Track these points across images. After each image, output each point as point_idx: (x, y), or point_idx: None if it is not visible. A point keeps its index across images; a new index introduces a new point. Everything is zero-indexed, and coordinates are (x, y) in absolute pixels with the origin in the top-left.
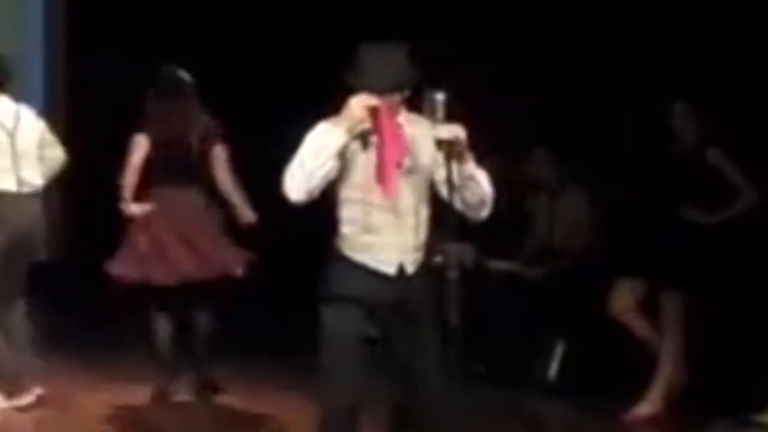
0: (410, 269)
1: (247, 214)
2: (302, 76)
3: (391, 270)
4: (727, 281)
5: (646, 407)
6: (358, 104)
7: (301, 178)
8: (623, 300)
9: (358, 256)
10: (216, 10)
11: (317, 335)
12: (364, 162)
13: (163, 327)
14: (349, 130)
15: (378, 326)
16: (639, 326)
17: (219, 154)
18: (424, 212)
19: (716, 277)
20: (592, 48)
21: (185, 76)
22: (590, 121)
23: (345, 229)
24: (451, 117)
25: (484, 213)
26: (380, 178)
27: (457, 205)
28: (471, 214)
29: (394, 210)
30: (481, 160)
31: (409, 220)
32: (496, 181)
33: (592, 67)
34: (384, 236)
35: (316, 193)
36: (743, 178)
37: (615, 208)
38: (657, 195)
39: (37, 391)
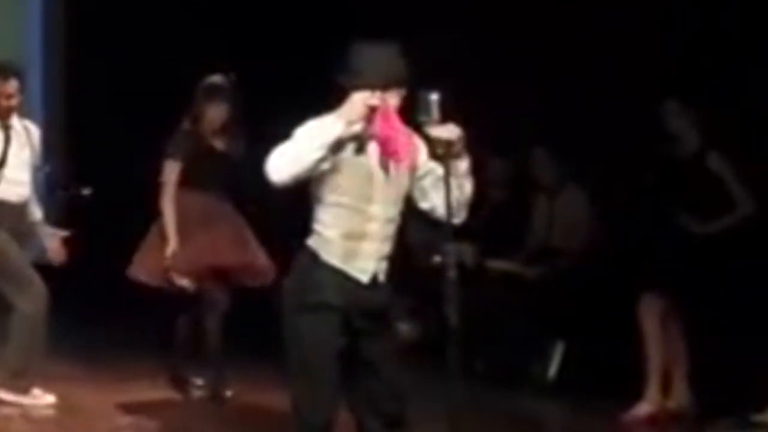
0: (381, 277)
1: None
2: (297, 76)
3: (365, 278)
4: (718, 288)
5: (644, 407)
6: (362, 100)
7: (290, 159)
8: (651, 312)
9: (336, 261)
10: (214, 10)
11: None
12: (357, 167)
13: (183, 326)
14: (349, 124)
15: (349, 334)
16: (661, 339)
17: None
18: (398, 223)
19: (705, 285)
20: (592, 48)
21: (220, 80)
22: (590, 121)
23: (327, 233)
24: (449, 117)
25: (463, 215)
26: (389, 150)
27: (438, 210)
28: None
29: (381, 219)
30: (481, 162)
31: (389, 230)
32: (497, 182)
33: (592, 67)
34: (367, 244)
35: (298, 180)
36: (740, 187)
37: (613, 208)
38: (654, 197)
39: (37, 391)
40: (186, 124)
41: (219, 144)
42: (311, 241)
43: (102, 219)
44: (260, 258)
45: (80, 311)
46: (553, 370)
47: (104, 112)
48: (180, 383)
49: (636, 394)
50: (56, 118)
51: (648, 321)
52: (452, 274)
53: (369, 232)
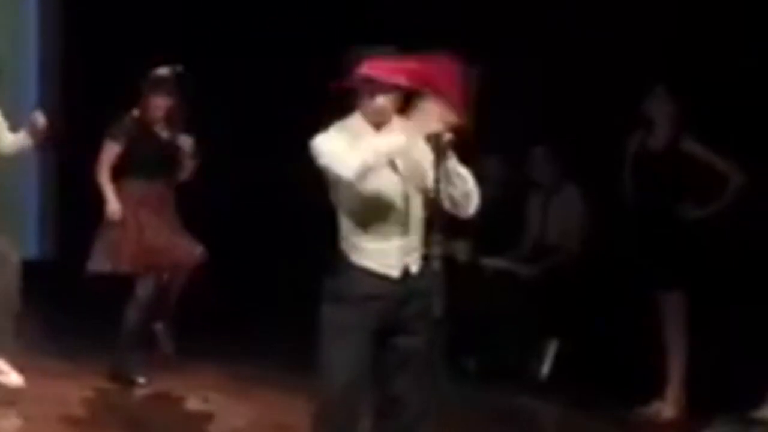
0: (414, 269)
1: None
2: (297, 77)
3: (395, 273)
4: (723, 276)
5: (667, 409)
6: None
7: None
8: (673, 313)
9: (364, 261)
10: (214, 11)
11: (318, 332)
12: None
13: (131, 318)
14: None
15: (382, 323)
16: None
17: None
18: (422, 214)
19: (712, 274)
20: (591, 47)
21: (164, 72)
22: (588, 120)
23: (350, 236)
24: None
25: (471, 209)
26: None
27: (446, 204)
28: (459, 212)
29: (400, 217)
30: (478, 160)
31: (413, 224)
32: (493, 180)
33: (590, 66)
34: (389, 242)
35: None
36: (724, 161)
37: (609, 206)
38: (641, 191)
39: (4, 366)
40: (134, 111)
41: (164, 133)
42: (341, 245)
43: (98, 218)
44: (182, 249)
45: (75, 310)
46: (546, 368)
47: (100, 113)
48: (123, 381)
49: (631, 393)
50: (51, 118)
51: (671, 324)
52: (436, 265)
53: (388, 230)
